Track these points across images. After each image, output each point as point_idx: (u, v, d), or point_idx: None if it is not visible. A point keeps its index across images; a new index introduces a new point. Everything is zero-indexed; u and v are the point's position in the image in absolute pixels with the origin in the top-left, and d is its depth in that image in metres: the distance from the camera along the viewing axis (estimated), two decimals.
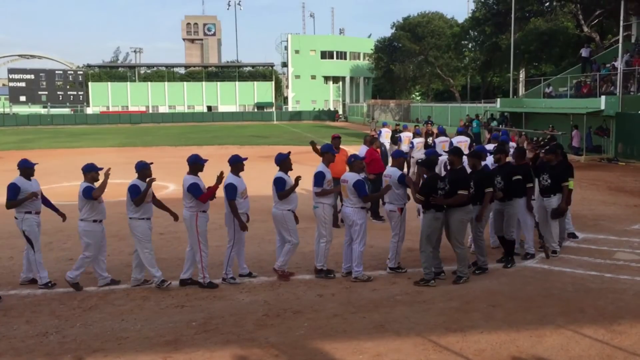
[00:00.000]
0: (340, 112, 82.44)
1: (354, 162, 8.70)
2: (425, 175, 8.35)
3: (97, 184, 8.22)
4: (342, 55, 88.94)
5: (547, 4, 50.41)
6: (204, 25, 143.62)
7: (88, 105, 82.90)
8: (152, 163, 8.49)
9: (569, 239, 10.66)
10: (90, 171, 8.27)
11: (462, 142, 18.04)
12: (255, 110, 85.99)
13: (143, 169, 8.28)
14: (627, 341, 6.26)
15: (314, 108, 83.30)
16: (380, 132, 20.34)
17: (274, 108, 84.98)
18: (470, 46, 63.16)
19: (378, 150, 13.41)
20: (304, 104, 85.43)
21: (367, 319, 7.01)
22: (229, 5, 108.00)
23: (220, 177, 8.15)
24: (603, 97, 25.79)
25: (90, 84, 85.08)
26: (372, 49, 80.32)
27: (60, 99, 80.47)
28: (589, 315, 7.03)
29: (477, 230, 8.80)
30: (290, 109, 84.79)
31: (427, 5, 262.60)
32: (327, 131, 45.83)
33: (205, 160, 8.42)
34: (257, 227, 11.20)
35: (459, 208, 8.22)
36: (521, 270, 8.97)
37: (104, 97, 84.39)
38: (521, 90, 47.82)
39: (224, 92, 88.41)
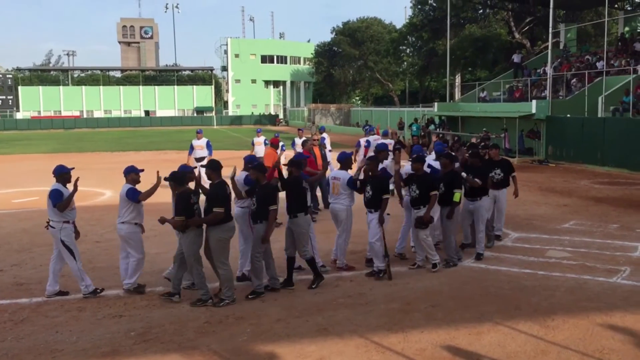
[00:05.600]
0: (281, 116, 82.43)
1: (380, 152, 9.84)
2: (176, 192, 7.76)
3: (137, 186, 8.15)
4: (282, 59, 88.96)
5: (481, 11, 52.08)
6: (141, 28, 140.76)
7: (18, 110, 79.55)
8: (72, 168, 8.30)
9: (495, 240, 10.75)
10: (130, 173, 8.23)
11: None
12: (195, 114, 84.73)
13: (62, 174, 8.14)
14: (560, 336, 6.50)
15: (253, 112, 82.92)
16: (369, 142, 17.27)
17: (214, 112, 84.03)
18: (408, 51, 64.45)
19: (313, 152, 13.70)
20: (244, 108, 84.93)
21: (310, 323, 7.01)
22: (167, 8, 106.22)
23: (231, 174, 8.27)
24: (534, 102, 26.83)
25: (20, 87, 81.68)
26: (312, 54, 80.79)
27: None
28: (524, 312, 7.26)
29: (254, 250, 8.03)
30: (230, 114, 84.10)
31: (366, 10, 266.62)
32: (267, 135, 45.56)
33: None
34: None
35: (217, 226, 7.57)
36: (460, 270, 9.19)
37: (35, 102, 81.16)
38: (457, 95, 49.11)
39: (162, 96, 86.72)
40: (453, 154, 10.60)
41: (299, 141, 16.69)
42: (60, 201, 7.88)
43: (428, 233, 9.11)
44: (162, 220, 7.82)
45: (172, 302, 7.73)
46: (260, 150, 18.62)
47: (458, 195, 9.25)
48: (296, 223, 8.33)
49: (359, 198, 9.29)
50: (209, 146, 17.61)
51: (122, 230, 8.15)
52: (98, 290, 8.10)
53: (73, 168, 8.25)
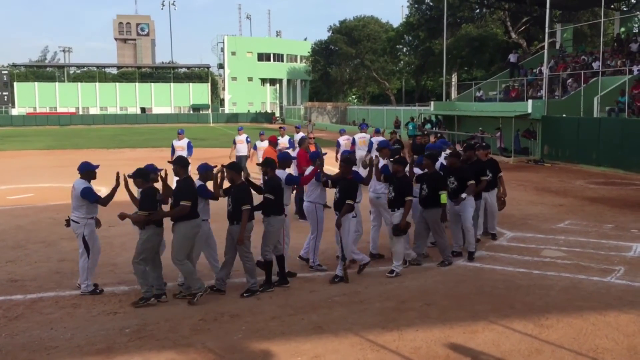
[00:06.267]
0: (278, 114, 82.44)
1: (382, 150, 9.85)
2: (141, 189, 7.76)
3: (156, 184, 8.01)
4: (279, 57, 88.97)
5: (477, 10, 52.17)
6: (137, 25, 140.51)
7: (13, 106, 79.39)
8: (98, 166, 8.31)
9: (490, 238, 10.97)
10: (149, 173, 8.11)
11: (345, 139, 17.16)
12: (191, 112, 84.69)
13: (88, 171, 8.15)
14: (554, 335, 6.52)
15: (249, 110, 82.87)
16: (354, 139, 16.96)
17: (210, 110, 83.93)
18: (404, 50, 64.55)
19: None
20: (240, 105, 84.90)
21: (305, 321, 7.01)
22: (163, 5, 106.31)
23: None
24: (530, 101, 26.89)
25: (15, 84, 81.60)
26: (309, 52, 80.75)
27: None
28: (519, 311, 7.28)
29: (241, 251, 7.93)
30: (226, 111, 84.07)
31: (363, 9, 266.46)
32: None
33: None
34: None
35: (184, 221, 7.52)
36: (455, 269, 9.20)
37: (30, 98, 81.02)
38: (453, 94, 49.13)
39: (158, 93, 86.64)
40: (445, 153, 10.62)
41: (282, 140, 16.14)
42: (97, 197, 7.90)
43: (402, 241, 8.89)
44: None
45: (162, 302, 7.67)
46: (242, 148, 18.35)
47: (444, 196, 9.14)
48: (269, 222, 8.25)
49: (363, 198, 9.36)
50: (189, 147, 16.86)
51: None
52: (97, 291, 8.07)
53: (98, 165, 8.26)
